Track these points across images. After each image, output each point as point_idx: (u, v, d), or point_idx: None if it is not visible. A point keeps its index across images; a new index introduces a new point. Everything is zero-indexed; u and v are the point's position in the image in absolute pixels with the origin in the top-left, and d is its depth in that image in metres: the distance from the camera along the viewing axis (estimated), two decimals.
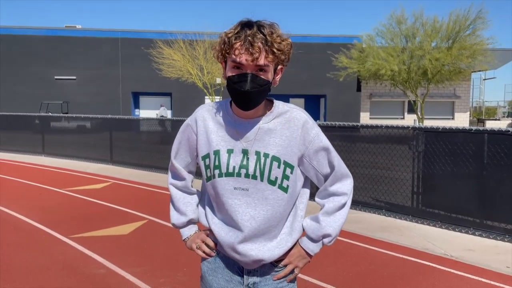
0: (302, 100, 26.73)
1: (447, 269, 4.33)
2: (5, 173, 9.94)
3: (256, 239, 1.54)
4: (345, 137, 7.21)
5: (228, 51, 1.44)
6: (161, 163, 10.37)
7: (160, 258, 4.48)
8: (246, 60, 1.40)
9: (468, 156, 5.55)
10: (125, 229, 5.49)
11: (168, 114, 23.42)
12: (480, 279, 4.09)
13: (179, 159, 1.68)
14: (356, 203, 6.63)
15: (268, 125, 1.53)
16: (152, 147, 11.24)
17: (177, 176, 1.72)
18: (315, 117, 20.65)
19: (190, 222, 1.72)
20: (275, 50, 1.41)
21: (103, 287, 3.73)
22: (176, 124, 10.76)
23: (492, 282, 4.01)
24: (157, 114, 21.49)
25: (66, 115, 16.70)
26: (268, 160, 1.50)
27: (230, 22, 1.46)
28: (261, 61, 1.41)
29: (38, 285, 3.74)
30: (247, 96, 1.44)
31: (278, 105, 1.57)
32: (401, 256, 4.70)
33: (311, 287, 3.78)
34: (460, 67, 18.03)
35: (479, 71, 24.61)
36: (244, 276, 1.60)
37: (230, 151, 1.53)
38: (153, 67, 21.92)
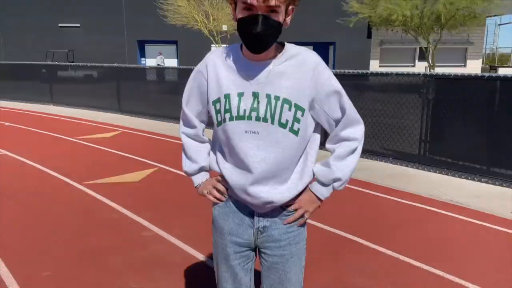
0: (310, 48, 26.08)
1: (452, 214, 4.42)
2: (16, 122, 10.05)
3: (266, 182, 1.54)
4: (354, 85, 7.11)
5: None
6: (168, 112, 10.38)
7: (171, 203, 4.61)
8: (257, 1, 1.35)
9: (478, 103, 5.48)
10: (137, 176, 5.61)
11: (164, 63, 22.77)
12: (484, 223, 4.17)
13: (190, 107, 1.67)
14: (364, 151, 6.59)
15: (279, 67, 1.49)
16: (159, 97, 11.22)
17: (188, 124, 1.71)
18: None
19: (202, 169, 1.73)
20: None
21: (118, 231, 3.87)
22: (182, 73, 10.66)
23: (496, 227, 4.10)
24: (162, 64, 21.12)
25: (72, 63, 16.57)
26: (279, 103, 1.48)
27: None
28: (273, 2, 1.35)
29: (54, 229, 3.89)
30: (258, 38, 1.40)
31: (290, 47, 1.53)
32: (407, 202, 4.78)
33: (319, 232, 3.89)
34: (476, 12, 17.35)
35: (495, 15, 23.70)
36: (255, 218, 1.62)
37: (240, 95, 1.50)
38: (158, 14, 21.39)
